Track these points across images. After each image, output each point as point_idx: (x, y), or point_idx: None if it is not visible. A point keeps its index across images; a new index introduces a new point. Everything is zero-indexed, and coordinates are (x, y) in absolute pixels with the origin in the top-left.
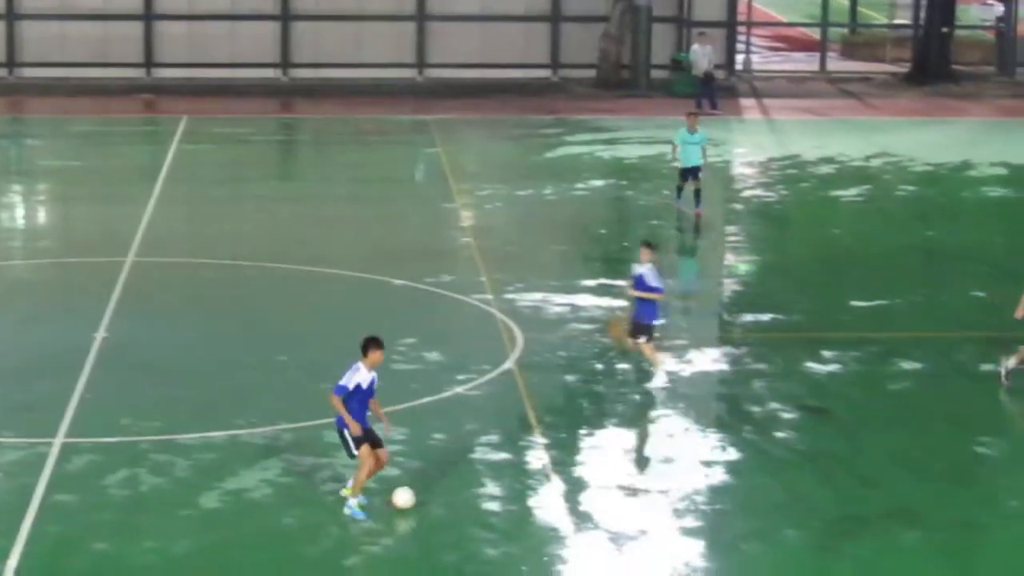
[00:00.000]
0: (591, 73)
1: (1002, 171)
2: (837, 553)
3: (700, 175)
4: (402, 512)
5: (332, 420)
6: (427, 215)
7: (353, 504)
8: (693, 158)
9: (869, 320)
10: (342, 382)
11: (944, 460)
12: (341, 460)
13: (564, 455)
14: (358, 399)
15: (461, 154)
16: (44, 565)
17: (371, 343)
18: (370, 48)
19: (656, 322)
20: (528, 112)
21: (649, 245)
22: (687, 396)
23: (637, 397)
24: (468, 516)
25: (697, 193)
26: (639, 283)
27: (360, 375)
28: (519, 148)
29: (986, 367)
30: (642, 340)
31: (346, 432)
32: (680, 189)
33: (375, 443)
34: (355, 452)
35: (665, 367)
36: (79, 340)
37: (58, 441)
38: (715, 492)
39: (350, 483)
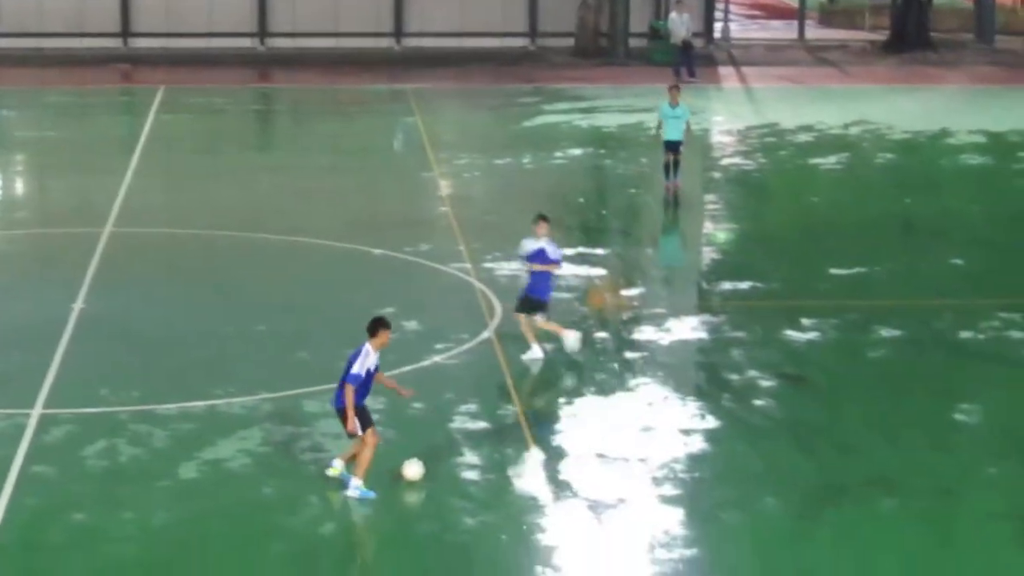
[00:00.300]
0: (569, 42)
1: (980, 139)
2: (816, 521)
3: (681, 149)
4: (383, 482)
5: (312, 390)
6: (405, 185)
7: (359, 484)
8: (675, 132)
9: (847, 288)
10: (355, 371)
11: (923, 428)
12: (320, 430)
13: (542, 424)
14: (364, 382)
15: (439, 123)
16: (22, 537)
17: (380, 324)
18: (347, 17)
19: (550, 297)
20: (506, 81)
21: (545, 219)
22: (666, 364)
23: (615, 366)
24: (446, 485)
25: (676, 165)
26: (539, 257)
27: (370, 359)
28: (497, 117)
29: (965, 335)
30: (539, 318)
31: (349, 413)
32: (666, 166)
33: (367, 424)
34: (361, 431)
35: (568, 346)
36: (57, 311)
37: (36, 412)
38: (694, 460)
39: (336, 463)
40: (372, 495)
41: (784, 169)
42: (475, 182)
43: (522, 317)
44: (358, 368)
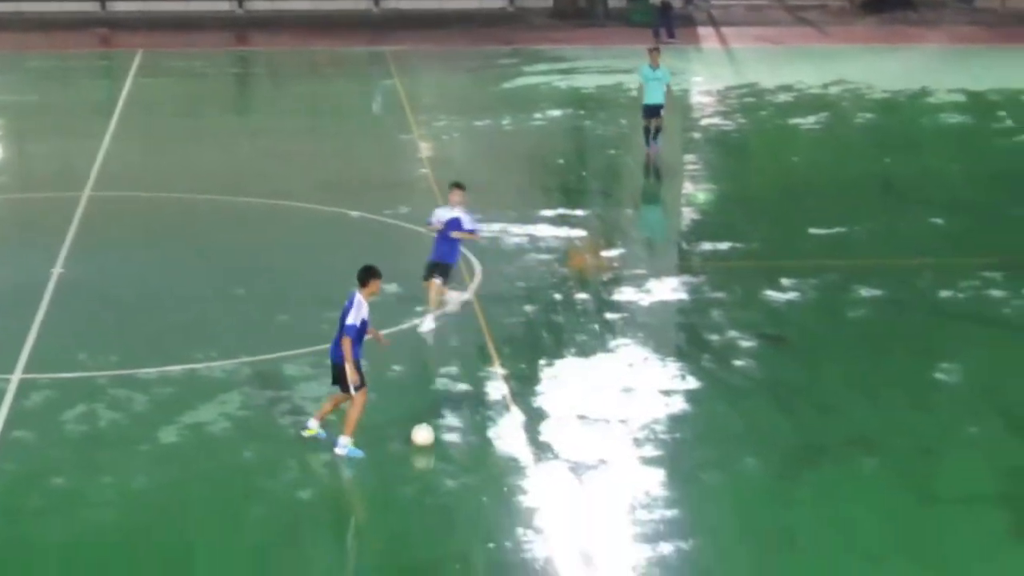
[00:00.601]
0: (548, 3)
1: (960, 98)
2: (796, 481)
3: (662, 113)
4: (363, 445)
5: (292, 353)
6: (384, 147)
7: (347, 443)
8: (655, 95)
9: (827, 248)
10: (350, 321)
11: (903, 387)
12: (300, 393)
13: (523, 385)
14: (359, 334)
15: (418, 85)
16: (2, 502)
17: (371, 273)
18: None
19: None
20: (485, 43)
21: (460, 187)
22: (646, 325)
23: (596, 327)
24: (427, 448)
25: (657, 131)
26: (454, 226)
27: (363, 309)
28: (476, 79)
29: (945, 294)
30: (437, 281)
31: (348, 367)
32: (646, 131)
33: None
34: (353, 389)
35: (448, 307)
36: (36, 276)
37: (15, 377)
38: (674, 421)
39: (312, 423)
40: (360, 454)
41: (764, 129)
42: (454, 144)
43: (434, 284)
44: (352, 319)
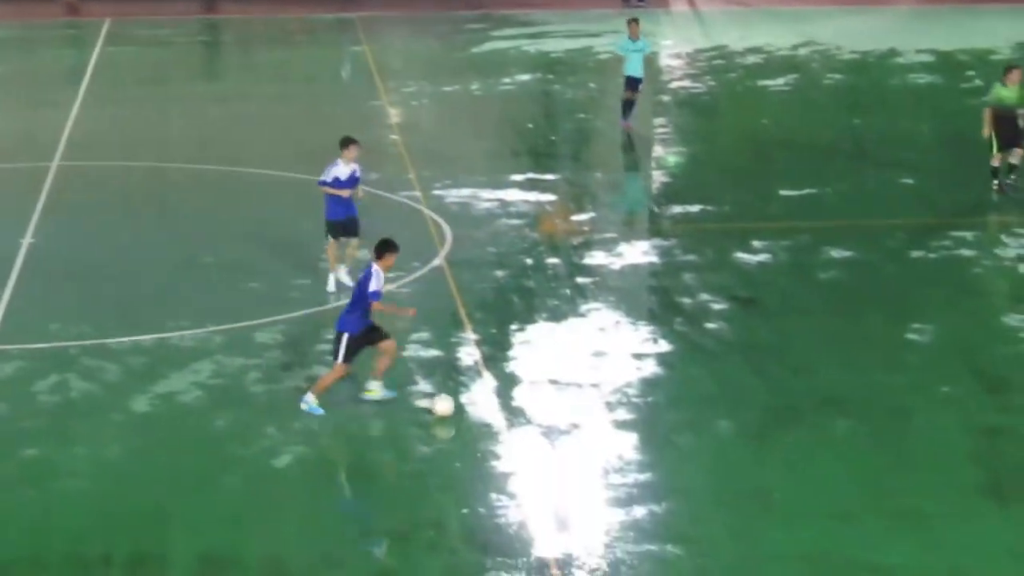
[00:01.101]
0: None
1: (928, 58)
2: (770, 443)
3: (640, 87)
4: (336, 412)
5: (263, 321)
6: (353, 113)
7: (311, 400)
8: (636, 67)
9: (798, 209)
10: (373, 288)
11: (875, 348)
12: (271, 361)
13: (495, 351)
14: (364, 306)
15: (386, 51)
16: None
17: (387, 247)
18: None
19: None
20: (453, 7)
21: (356, 142)
22: (617, 289)
23: (567, 291)
24: (401, 414)
25: (631, 105)
26: (354, 181)
27: (381, 278)
28: (445, 44)
29: (916, 254)
30: (355, 240)
31: (345, 338)
32: (626, 103)
33: (379, 338)
34: (340, 360)
35: (339, 273)
36: (6, 246)
37: None
38: (647, 385)
39: (371, 384)
40: (320, 412)
41: (734, 92)
42: (424, 110)
43: (334, 243)
44: (375, 286)
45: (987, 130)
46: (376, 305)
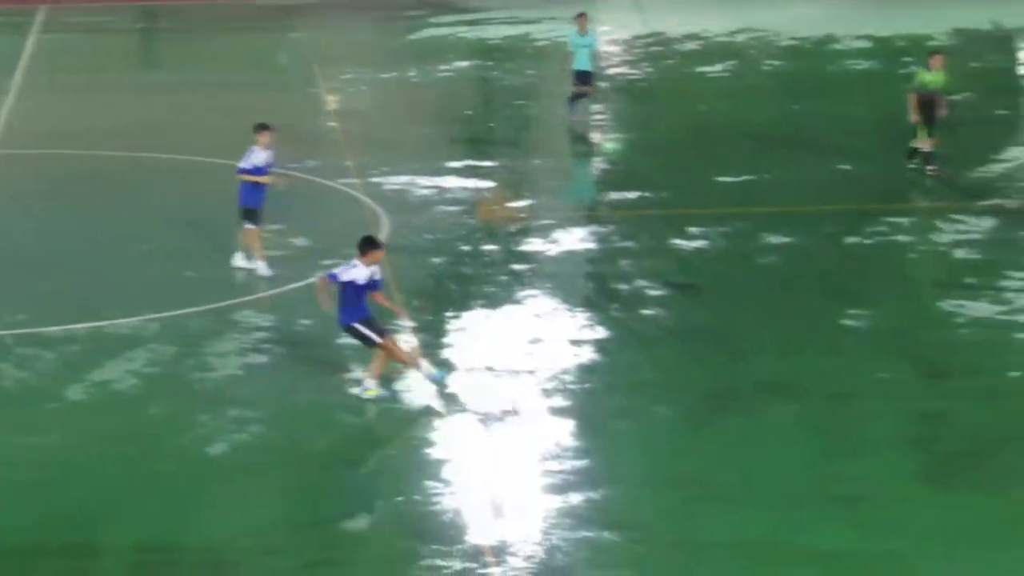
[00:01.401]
0: None
1: (866, 44)
2: (707, 428)
3: (591, 81)
4: (272, 399)
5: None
6: (291, 100)
7: (373, 385)
8: (584, 62)
9: (736, 195)
10: (335, 271)
11: (812, 333)
12: (207, 349)
13: (432, 337)
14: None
15: (324, 39)
16: None
17: (369, 244)
18: None
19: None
20: None
21: (268, 127)
22: (555, 275)
23: (504, 278)
24: (337, 401)
25: (580, 98)
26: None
27: (357, 272)
28: (382, 31)
29: (852, 240)
30: (251, 227)
31: (359, 325)
32: (575, 97)
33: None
34: (377, 340)
35: (256, 263)
36: None
37: None
38: (584, 371)
39: (367, 383)
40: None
41: (671, 78)
42: (361, 97)
43: (255, 229)
44: (341, 272)
45: (914, 116)
46: (321, 280)
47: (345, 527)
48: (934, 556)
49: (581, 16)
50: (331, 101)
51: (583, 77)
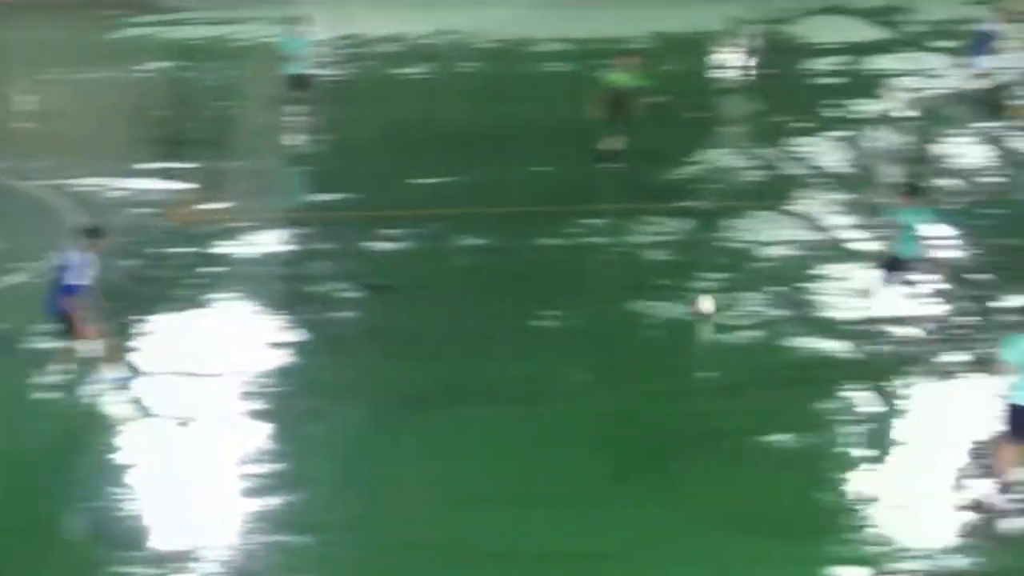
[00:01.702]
0: None
1: (563, 46)
2: (403, 430)
3: (314, 82)
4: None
5: None
6: None
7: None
8: (299, 65)
9: (432, 197)
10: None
11: (507, 334)
12: None
13: (124, 340)
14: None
15: (17, 38)
16: None
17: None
18: None
19: None
20: None
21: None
22: (250, 278)
23: (199, 281)
24: (24, 406)
25: (302, 102)
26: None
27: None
28: (79, 31)
29: (546, 241)
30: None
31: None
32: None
33: None
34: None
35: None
36: None
37: None
38: (279, 374)
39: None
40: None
41: (368, 80)
42: (56, 97)
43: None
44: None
45: (597, 112)
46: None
47: (31, 534)
48: (625, 553)
49: (295, 19)
50: (24, 101)
51: (300, 81)
